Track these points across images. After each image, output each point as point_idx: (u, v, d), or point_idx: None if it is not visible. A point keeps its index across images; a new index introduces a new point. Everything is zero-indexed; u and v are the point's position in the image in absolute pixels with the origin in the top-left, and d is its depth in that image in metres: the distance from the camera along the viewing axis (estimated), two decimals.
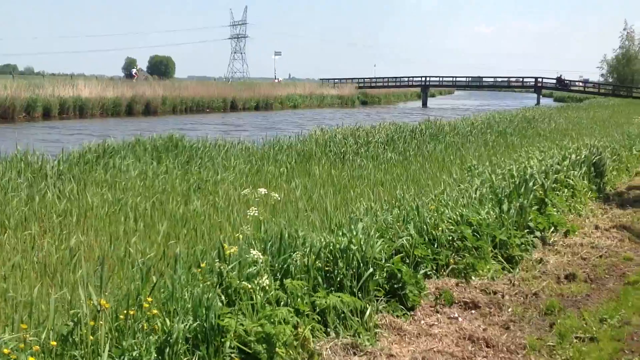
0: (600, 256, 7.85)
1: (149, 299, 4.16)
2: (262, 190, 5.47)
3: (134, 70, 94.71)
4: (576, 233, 8.78)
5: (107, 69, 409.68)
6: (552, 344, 5.14)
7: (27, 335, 3.59)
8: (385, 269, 5.81)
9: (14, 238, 6.94)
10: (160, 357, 3.93)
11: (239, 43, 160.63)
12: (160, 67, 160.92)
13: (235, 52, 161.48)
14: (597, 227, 9.22)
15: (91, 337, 3.75)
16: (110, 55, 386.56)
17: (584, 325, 5.51)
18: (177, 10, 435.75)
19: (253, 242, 5.53)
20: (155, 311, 4.10)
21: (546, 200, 9.17)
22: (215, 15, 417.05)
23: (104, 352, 3.68)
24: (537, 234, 8.27)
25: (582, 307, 6.07)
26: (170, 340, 3.98)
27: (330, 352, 4.60)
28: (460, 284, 6.35)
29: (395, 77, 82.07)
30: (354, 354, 4.69)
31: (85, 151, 13.43)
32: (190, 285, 4.68)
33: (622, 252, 8.07)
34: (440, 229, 6.99)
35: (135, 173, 11.44)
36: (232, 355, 4.25)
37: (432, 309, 5.78)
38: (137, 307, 4.12)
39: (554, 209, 9.16)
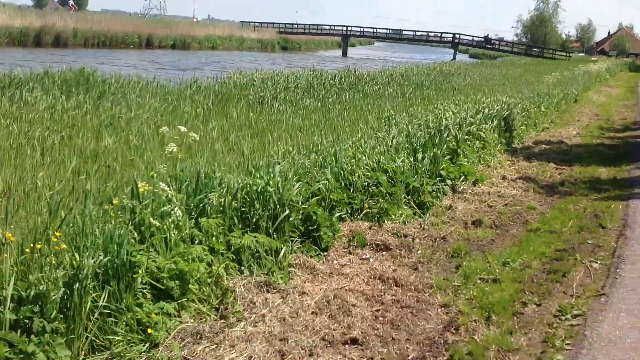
0: (506, 204, 8.21)
1: (58, 234, 4.01)
2: (182, 128, 5.34)
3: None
4: (484, 182, 9.12)
5: None
6: (457, 284, 5.37)
7: None
8: (301, 211, 5.85)
9: None
10: (68, 292, 3.83)
11: None
12: None
13: None
14: (504, 178, 9.61)
15: None
16: None
17: (488, 267, 5.78)
18: None
19: (168, 181, 5.41)
20: (63, 245, 3.97)
21: (458, 150, 9.44)
22: None
23: (8, 285, 3.54)
24: (448, 182, 8.54)
25: (486, 251, 6.35)
26: (80, 276, 3.88)
27: (243, 289, 4.62)
28: (373, 227, 6.50)
29: (317, 25, 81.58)
30: (267, 291, 4.73)
31: None
32: (101, 221, 4.56)
33: (526, 202, 8.46)
34: (356, 174, 7.08)
35: (43, 106, 10.91)
36: (144, 291, 4.20)
37: (345, 250, 5.89)
38: (44, 241, 3.97)
39: (465, 159, 9.45)
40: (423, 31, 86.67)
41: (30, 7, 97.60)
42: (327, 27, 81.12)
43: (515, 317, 4.73)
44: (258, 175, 6.00)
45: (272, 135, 10.18)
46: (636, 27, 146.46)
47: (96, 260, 4.01)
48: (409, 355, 4.08)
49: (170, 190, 4.73)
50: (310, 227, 5.91)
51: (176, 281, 4.36)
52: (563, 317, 4.73)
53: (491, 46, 78.65)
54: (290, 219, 5.65)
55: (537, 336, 4.42)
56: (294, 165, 6.99)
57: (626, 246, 6.54)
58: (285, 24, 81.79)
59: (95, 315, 3.88)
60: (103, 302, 3.90)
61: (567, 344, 4.28)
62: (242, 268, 4.98)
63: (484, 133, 11.12)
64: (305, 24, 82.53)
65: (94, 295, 3.93)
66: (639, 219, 7.64)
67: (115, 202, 4.88)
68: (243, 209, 5.58)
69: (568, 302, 5.04)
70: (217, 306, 4.36)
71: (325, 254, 5.74)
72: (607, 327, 4.53)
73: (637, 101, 25.73)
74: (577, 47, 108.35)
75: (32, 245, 3.91)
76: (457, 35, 76.28)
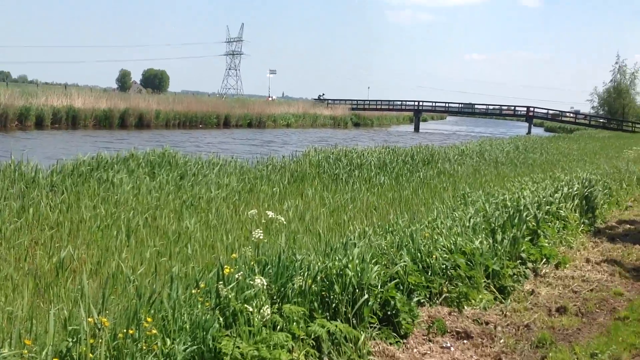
0: (591, 290, 7.89)
1: (149, 319, 4.14)
2: (270, 214, 5.47)
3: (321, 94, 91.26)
4: (567, 265, 8.82)
5: (100, 80, 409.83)
6: None
7: (26, 351, 3.56)
8: (379, 296, 5.81)
9: (5, 249, 6.91)
10: None
11: (234, 60, 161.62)
12: (155, 81, 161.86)
13: (229, 69, 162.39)
14: (588, 261, 9.27)
15: (90, 355, 3.72)
16: (104, 67, 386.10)
17: (575, 359, 5.52)
18: (172, 25, 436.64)
19: (253, 264, 5.52)
20: (154, 331, 4.08)
21: (538, 231, 9.22)
22: (211, 31, 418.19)
23: None
24: (529, 265, 8.32)
25: (573, 341, 6.09)
26: None
27: None
28: (452, 313, 6.37)
29: (389, 100, 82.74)
30: None
31: (79, 163, 13.41)
32: (187, 305, 4.67)
33: (612, 287, 8.11)
34: (434, 257, 7.00)
35: (128, 187, 11.42)
36: None
37: (425, 337, 5.78)
38: (136, 326, 4.09)
39: (546, 241, 9.21)
40: (496, 104, 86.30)
41: (115, 89, 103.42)
42: (399, 103, 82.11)
43: None
44: (336, 258, 6.03)
45: (347, 214, 10.27)
46: None
47: (186, 347, 4.09)
48: None
49: (262, 279, 4.79)
50: (389, 313, 5.86)
51: None
52: None
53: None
54: (369, 303, 5.62)
55: None
56: (371, 246, 6.99)
57: None
58: (357, 100, 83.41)
59: None
60: None
61: None
62: (322, 355, 4.96)
63: (564, 212, 10.84)
64: (376, 100, 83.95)
65: None
66: None
67: (202, 286, 5.01)
68: (323, 293, 5.60)
69: None
70: None
71: (405, 341, 5.65)
72: None
73: None
74: None
75: (125, 330, 4.03)
76: (531, 109, 75.53)
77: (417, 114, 77.50)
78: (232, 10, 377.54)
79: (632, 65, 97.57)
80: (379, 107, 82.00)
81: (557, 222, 10.40)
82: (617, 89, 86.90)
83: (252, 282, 4.73)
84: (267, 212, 5.46)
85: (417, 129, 74.01)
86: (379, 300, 5.81)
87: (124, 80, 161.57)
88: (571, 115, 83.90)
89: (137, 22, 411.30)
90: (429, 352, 5.49)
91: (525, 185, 12.47)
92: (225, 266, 5.23)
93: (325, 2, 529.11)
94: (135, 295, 4.87)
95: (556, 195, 11.31)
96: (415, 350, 5.49)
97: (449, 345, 5.68)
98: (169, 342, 4.02)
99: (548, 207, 10.40)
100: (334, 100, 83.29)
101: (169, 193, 11.26)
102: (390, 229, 8.28)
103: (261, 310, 4.56)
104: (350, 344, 5.12)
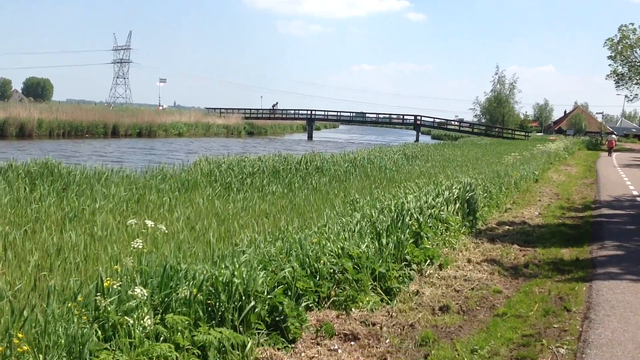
0: (472, 288, 8.26)
1: (20, 335, 3.94)
2: (150, 223, 5.35)
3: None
4: (450, 266, 9.18)
5: None
6: None
7: None
8: (267, 302, 5.82)
9: None
10: None
11: (122, 68, 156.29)
12: (37, 89, 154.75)
13: (117, 77, 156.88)
14: (469, 261, 9.69)
15: None
16: None
17: (457, 356, 5.76)
18: (56, 32, 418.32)
19: (134, 275, 5.38)
20: (26, 347, 3.89)
21: (422, 234, 9.54)
22: (98, 39, 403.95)
23: None
24: (414, 266, 8.59)
25: (455, 338, 6.34)
26: None
27: None
28: (341, 316, 6.47)
29: (282, 109, 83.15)
30: None
31: None
32: (64, 319, 4.48)
33: (492, 285, 8.53)
34: (322, 261, 7.09)
35: (6, 200, 10.82)
36: None
37: (313, 341, 5.84)
38: (6, 343, 3.88)
39: (429, 243, 9.55)
40: (386, 114, 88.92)
41: None
42: (292, 112, 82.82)
43: None
44: (223, 266, 5.99)
45: (238, 222, 10.21)
46: (591, 106, 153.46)
47: None
48: None
49: (142, 289, 4.68)
50: (277, 318, 5.87)
51: None
52: None
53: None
54: (256, 310, 5.62)
55: None
56: (260, 253, 7.00)
57: (591, 330, 6.58)
58: (250, 109, 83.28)
59: None
60: None
61: None
62: None
63: (446, 215, 11.27)
64: (270, 109, 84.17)
65: None
66: (602, 300, 7.74)
67: (79, 299, 4.83)
68: (209, 301, 5.54)
69: None
70: None
71: (293, 345, 5.68)
72: None
73: (596, 180, 26.45)
74: (536, 127, 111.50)
75: None
76: (418, 117, 78.26)
77: (310, 122, 78.40)
78: (119, 18, 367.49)
79: (510, 76, 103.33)
80: (272, 115, 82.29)
81: (440, 224, 10.81)
82: (498, 98, 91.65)
83: (132, 293, 4.61)
84: (146, 221, 5.35)
85: (310, 137, 74.86)
86: (267, 306, 5.82)
87: (4, 89, 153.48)
88: (456, 123, 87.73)
89: (18, 28, 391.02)
90: (317, 355, 5.54)
91: (409, 191, 12.87)
92: (107, 278, 5.08)
93: (215, 10, 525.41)
94: (8, 311, 4.63)
95: (438, 199, 11.73)
96: (303, 354, 5.53)
97: (336, 347, 5.76)
98: (41, 357, 3.84)
99: (430, 210, 10.78)
100: (227, 109, 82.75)
101: (51, 205, 10.76)
102: (280, 235, 8.32)
103: (142, 322, 4.46)
104: (237, 351, 5.09)
